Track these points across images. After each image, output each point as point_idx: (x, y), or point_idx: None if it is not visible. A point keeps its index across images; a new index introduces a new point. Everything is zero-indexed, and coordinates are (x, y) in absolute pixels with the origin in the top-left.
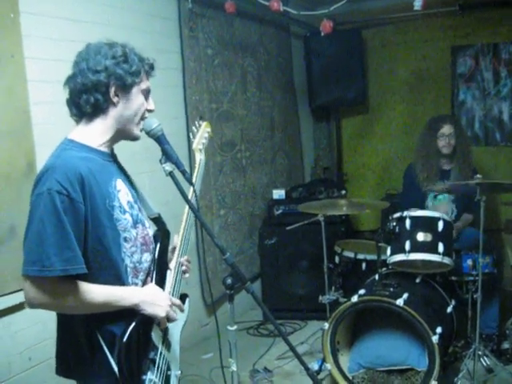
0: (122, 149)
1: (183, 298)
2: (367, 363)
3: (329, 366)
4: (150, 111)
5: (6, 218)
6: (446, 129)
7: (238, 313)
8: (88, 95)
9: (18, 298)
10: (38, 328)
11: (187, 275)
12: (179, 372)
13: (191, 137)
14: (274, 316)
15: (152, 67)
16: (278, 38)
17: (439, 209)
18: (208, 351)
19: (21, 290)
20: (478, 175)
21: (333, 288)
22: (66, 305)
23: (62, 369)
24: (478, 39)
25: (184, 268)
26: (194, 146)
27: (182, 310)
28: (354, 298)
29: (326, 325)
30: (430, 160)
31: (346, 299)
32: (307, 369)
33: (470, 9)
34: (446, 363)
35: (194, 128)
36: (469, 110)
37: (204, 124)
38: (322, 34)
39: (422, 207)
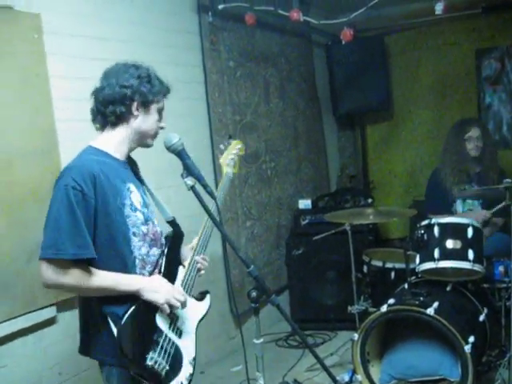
0: (148, 163)
1: (204, 293)
2: (398, 374)
3: (359, 377)
4: (161, 128)
5: (34, 234)
6: (474, 131)
7: (267, 324)
8: (114, 106)
9: (48, 313)
10: (68, 342)
11: (202, 272)
12: (192, 357)
13: (218, 153)
14: (303, 327)
15: (169, 91)
16: (300, 48)
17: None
18: (237, 364)
19: (51, 305)
20: (508, 179)
21: (362, 298)
22: (76, 286)
23: (83, 348)
24: (503, 41)
25: (199, 265)
26: (221, 160)
27: (183, 306)
28: (384, 308)
29: (356, 335)
30: (457, 164)
31: (375, 309)
32: (335, 381)
33: (493, 10)
34: (480, 373)
35: (221, 146)
36: (496, 114)
37: (234, 142)
38: (343, 42)
39: (449, 212)
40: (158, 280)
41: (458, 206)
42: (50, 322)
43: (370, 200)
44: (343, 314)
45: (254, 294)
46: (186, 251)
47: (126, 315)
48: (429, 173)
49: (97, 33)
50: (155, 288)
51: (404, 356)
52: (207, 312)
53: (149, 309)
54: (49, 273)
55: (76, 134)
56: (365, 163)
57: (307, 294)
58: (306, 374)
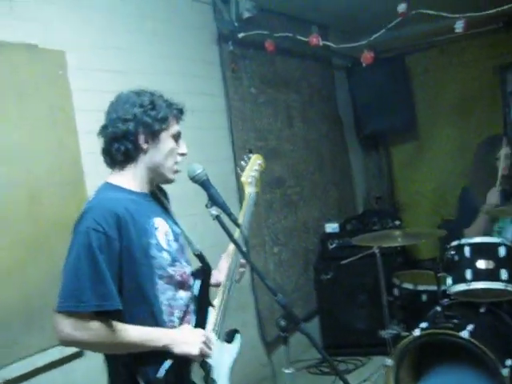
0: (174, 190)
1: (233, 333)
2: None
3: None
4: (182, 155)
5: (61, 266)
6: (506, 149)
7: (299, 351)
8: (119, 144)
9: None
10: (97, 375)
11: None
12: None
13: (239, 171)
14: (334, 352)
15: (181, 112)
16: (321, 72)
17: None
18: None
19: None
20: None
21: (393, 321)
22: (98, 342)
23: None
24: None
25: (241, 270)
26: (243, 178)
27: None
28: (417, 332)
29: (389, 360)
30: (489, 182)
31: (407, 333)
32: None
33: None
34: None
35: (242, 162)
36: None
37: (254, 156)
38: (364, 65)
39: (486, 232)
40: (185, 329)
41: (494, 225)
42: (78, 354)
43: (397, 222)
44: (375, 338)
45: (282, 322)
46: (217, 274)
47: (162, 372)
48: (456, 191)
49: (119, 66)
50: (186, 339)
51: (439, 381)
52: (237, 355)
53: (182, 363)
54: (67, 328)
55: (101, 166)
56: (391, 184)
57: (338, 319)
58: None
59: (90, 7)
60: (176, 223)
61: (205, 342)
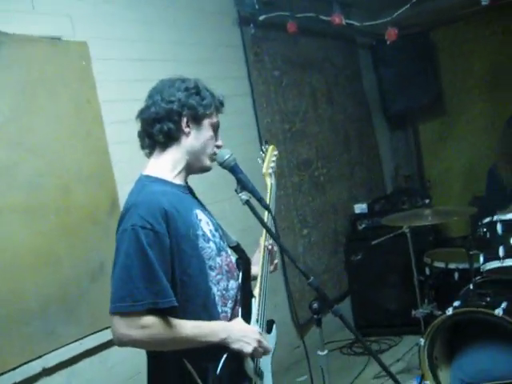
0: (200, 178)
1: (270, 324)
2: (470, 378)
3: (428, 383)
4: (218, 147)
5: (95, 256)
6: None
7: (331, 332)
8: (161, 124)
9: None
10: (132, 362)
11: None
12: None
13: (260, 162)
14: (367, 333)
15: (222, 104)
16: (344, 51)
17: None
18: (302, 374)
19: None
20: None
21: (426, 301)
22: (156, 340)
23: None
24: None
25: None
26: (264, 170)
27: (267, 352)
28: (449, 311)
29: (422, 340)
30: None
31: (440, 312)
32: None
33: None
34: None
35: (261, 153)
36: None
37: (270, 148)
38: (388, 42)
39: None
40: (242, 325)
41: None
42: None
43: (427, 200)
44: (408, 318)
45: (315, 305)
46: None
47: (219, 367)
48: (487, 168)
49: (142, 55)
50: (241, 336)
51: (474, 359)
52: (276, 345)
53: (237, 356)
54: (123, 329)
55: (128, 156)
56: (420, 162)
57: (369, 300)
58: (373, 381)
59: None
60: (211, 215)
61: (259, 341)
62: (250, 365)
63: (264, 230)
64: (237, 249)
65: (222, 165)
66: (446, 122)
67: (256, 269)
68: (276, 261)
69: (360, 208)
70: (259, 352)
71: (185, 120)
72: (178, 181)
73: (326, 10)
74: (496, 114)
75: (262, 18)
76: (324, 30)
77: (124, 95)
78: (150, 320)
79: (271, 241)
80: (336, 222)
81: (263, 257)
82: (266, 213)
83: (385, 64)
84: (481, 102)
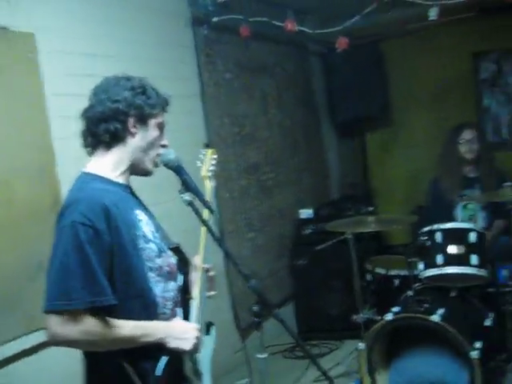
0: (145, 179)
1: (209, 326)
2: (406, 382)
3: None
4: (163, 146)
5: (35, 254)
6: (467, 133)
7: (274, 335)
8: (107, 124)
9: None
10: (69, 363)
11: (213, 293)
12: None
13: (199, 164)
14: (309, 337)
15: (167, 103)
16: (296, 57)
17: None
18: (243, 377)
19: None
20: (508, 182)
21: (366, 306)
22: (93, 340)
23: None
24: (499, 43)
25: (211, 274)
26: (203, 173)
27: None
28: (389, 316)
29: (361, 344)
30: (453, 168)
31: (380, 317)
32: None
33: (489, 13)
34: (488, 378)
35: (200, 156)
36: (494, 116)
37: (210, 151)
38: (338, 50)
39: (450, 218)
40: (180, 323)
41: (459, 211)
42: (47, 343)
43: (371, 208)
44: (349, 322)
45: (256, 308)
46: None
47: (160, 368)
48: (429, 178)
49: (91, 50)
50: (180, 334)
51: (411, 364)
52: (215, 346)
53: (177, 356)
54: (59, 328)
55: (73, 152)
56: (365, 170)
57: (312, 304)
58: None
59: None
60: (152, 216)
61: (197, 338)
62: (189, 365)
63: (201, 251)
64: (177, 250)
65: (167, 165)
66: (392, 132)
67: (195, 274)
68: (213, 292)
69: (306, 213)
70: (198, 348)
71: (131, 120)
72: (121, 180)
73: (280, 16)
74: (440, 127)
75: (215, 19)
76: (277, 35)
77: (71, 90)
78: (86, 319)
79: (209, 265)
80: (282, 227)
81: (202, 252)
82: (209, 214)
83: (335, 72)
84: (426, 115)
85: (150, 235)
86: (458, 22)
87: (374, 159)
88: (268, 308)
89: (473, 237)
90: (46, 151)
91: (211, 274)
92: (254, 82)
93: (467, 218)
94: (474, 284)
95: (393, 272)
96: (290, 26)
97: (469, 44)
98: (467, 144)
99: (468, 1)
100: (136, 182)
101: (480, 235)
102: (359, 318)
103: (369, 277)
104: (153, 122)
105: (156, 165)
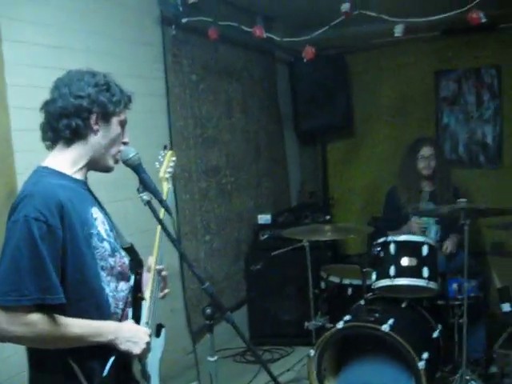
0: (105, 175)
1: (159, 328)
2: None
3: None
4: (125, 143)
5: None
6: (426, 150)
7: (227, 339)
8: (69, 120)
9: None
10: (14, 361)
11: (166, 291)
12: None
13: (157, 165)
14: (261, 342)
15: (130, 100)
16: (263, 64)
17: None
18: (193, 379)
19: None
20: (462, 199)
21: (319, 313)
22: (41, 338)
23: None
24: (461, 63)
25: (164, 273)
26: (161, 174)
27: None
28: (340, 325)
29: (312, 351)
30: (410, 182)
31: (331, 325)
32: None
33: (452, 33)
34: None
35: (159, 157)
36: (453, 133)
37: (169, 153)
38: (305, 60)
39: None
40: (131, 326)
41: None
42: None
43: (328, 217)
44: (301, 329)
45: (208, 311)
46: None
47: (106, 368)
48: (387, 190)
49: (57, 42)
50: (130, 337)
51: (360, 372)
52: (164, 349)
53: (125, 358)
54: (6, 324)
55: (32, 144)
56: (325, 180)
57: (266, 309)
58: None
59: None
60: (107, 214)
61: (147, 343)
62: (137, 367)
63: (155, 252)
64: (130, 250)
65: (126, 163)
66: (352, 143)
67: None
68: (166, 290)
69: (264, 219)
70: (146, 354)
71: (94, 117)
72: (78, 176)
73: (249, 22)
74: (399, 141)
75: (184, 20)
76: (245, 40)
77: (33, 81)
78: (35, 316)
79: (162, 266)
80: (239, 231)
81: (156, 253)
82: (167, 215)
83: (300, 81)
84: (386, 128)
85: (104, 234)
86: (422, 40)
87: (334, 169)
88: (220, 311)
89: (425, 250)
90: (3, 142)
91: (164, 273)
92: (220, 85)
93: (419, 232)
94: (424, 296)
95: (346, 281)
96: (259, 32)
97: (431, 62)
98: (425, 160)
99: (432, 21)
100: (95, 178)
101: (432, 248)
102: (311, 325)
103: (323, 285)
104: (115, 119)
105: (117, 161)
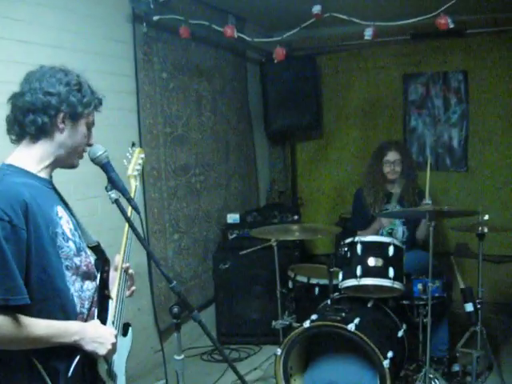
0: (73, 173)
1: (126, 327)
2: None
3: None
4: (89, 145)
5: None
6: (391, 155)
7: (195, 337)
8: (35, 116)
9: None
10: None
11: (133, 288)
12: None
13: (125, 163)
14: (229, 341)
15: (101, 102)
16: (234, 63)
17: (383, 221)
18: (161, 377)
19: None
20: (428, 201)
21: (286, 313)
22: (4, 339)
23: None
24: (429, 67)
25: (131, 271)
26: (130, 172)
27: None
28: (306, 324)
29: (279, 350)
30: (376, 185)
31: (298, 324)
32: None
33: (421, 38)
34: None
35: (127, 155)
36: (420, 136)
37: (137, 150)
38: (276, 61)
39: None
40: (96, 327)
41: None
42: None
43: (296, 217)
44: (268, 328)
45: (175, 309)
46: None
47: (71, 369)
48: (354, 191)
49: (26, 37)
50: (95, 338)
51: (326, 371)
52: (131, 348)
53: (91, 358)
54: None
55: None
56: (294, 180)
57: (233, 308)
58: None
59: None
60: (73, 213)
61: (113, 344)
62: (103, 367)
63: (122, 249)
64: (96, 249)
65: (94, 161)
66: (321, 144)
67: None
68: (133, 288)
69: (232, 218)
70: (112, 355)
71: (61, 116)
72: (43, 174)
73: (221, 21)
74: (367, 143)
75: (155, 18)
76: (217, 40)
77: (2, 76)
78: None
79: (128, 264)
80: (208, 230)
81: (123, 252)
82: (134, 213)
83: (271, 82)
84: (354, 130)
85: (69, 233)
86: (392, 43)
87: (302, 169)
88: (188, 310)
89: (391, 250)
90: None
91: (130, 271)
92: (190, 83)
93: (386, 233)
94: (389, 296)
95: (314, 280)
96: (230, 31)
97: (400, 65)
98: (390, 165)
99: (402, 25)
100: (63, 176)
101: (398, 249)
102: (278, 324)
103: (290, 284)
104: (83, 120)
105: (82, 157)
